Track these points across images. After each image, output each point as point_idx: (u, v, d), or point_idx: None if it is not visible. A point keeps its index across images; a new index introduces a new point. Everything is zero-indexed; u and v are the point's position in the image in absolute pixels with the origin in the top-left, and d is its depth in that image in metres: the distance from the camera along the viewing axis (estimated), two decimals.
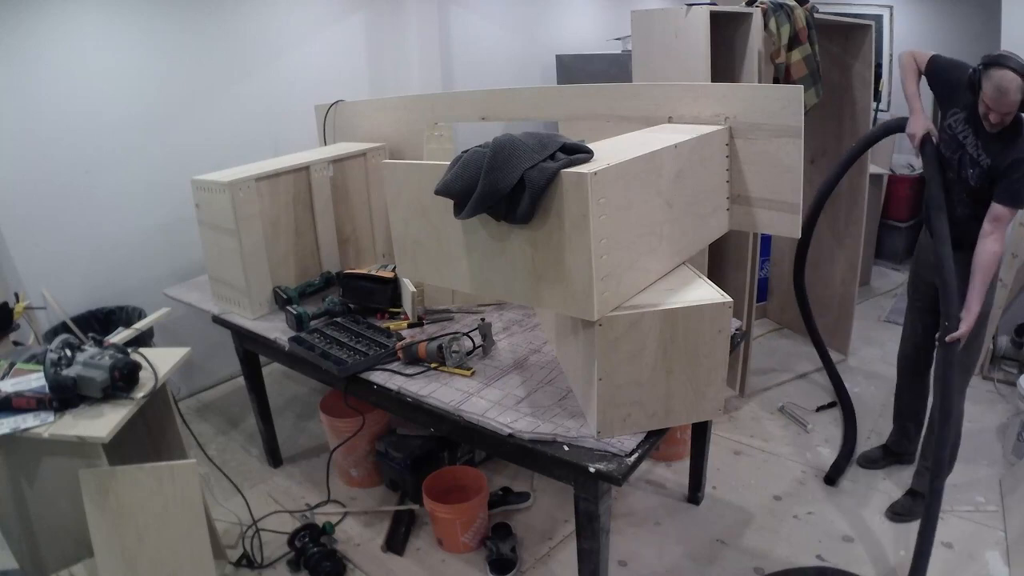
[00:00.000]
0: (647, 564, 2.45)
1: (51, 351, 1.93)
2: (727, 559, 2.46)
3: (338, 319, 2.57)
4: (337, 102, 3.32)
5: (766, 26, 2.95)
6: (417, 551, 2.56)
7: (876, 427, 3.17)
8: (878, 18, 5.60)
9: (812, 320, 3.22)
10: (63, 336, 2.00)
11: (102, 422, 1.84)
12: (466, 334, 2.33)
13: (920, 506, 2.44)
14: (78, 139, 3.08)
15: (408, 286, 2.53)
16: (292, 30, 3.77)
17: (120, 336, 2.35)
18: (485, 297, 2.63)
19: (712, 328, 1.77)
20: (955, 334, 2.22)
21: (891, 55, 5.72)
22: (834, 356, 3.84)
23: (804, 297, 3.18)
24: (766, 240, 4.06)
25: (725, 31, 3.01)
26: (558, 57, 5.01)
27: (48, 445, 1.84)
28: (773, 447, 3.09)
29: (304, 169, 2.78)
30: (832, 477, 2.82)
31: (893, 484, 2.79)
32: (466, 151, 1.73)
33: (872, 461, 2.91)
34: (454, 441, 2.82)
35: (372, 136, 3.17)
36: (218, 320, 2.78)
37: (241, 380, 3.15)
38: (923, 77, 2.41)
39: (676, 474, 2.90)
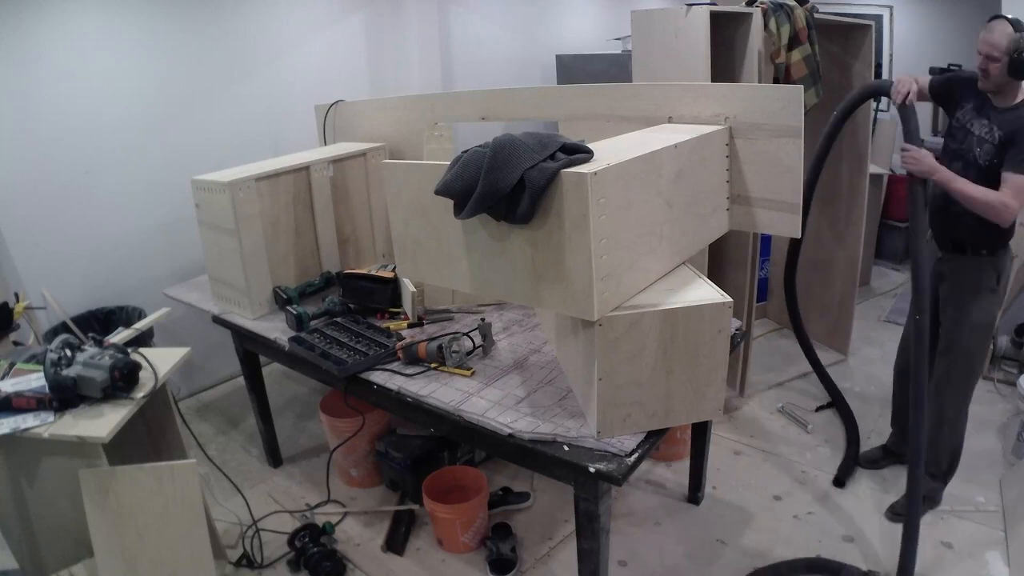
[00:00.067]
0: (647, 564, 2.45)
1: (51, 351, 1.93)
2: (727, 559, 2.46)
3: (338, 319, 2.57)
4: (337, 102, 3.32)
5: (766, 26, 2.95)
6: (417, 551, 2.56)
7: (876, 427, 3.17)
8: (878, 18, 5.60)
9: (799, 318, 3.23)
10: (63, 336, 2.00)
11: (102, 422, 1.84)
12: (466, 334, 2.33)
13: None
14: (78, 139, 3.08)
15: (408, 286, 2.53)
16: (292, 30, 3.77)
17: (120, 336, 2.35)
18: (485, 297, 2.63)
19: (712, 328, 1.77)
20: (905, 149, 2.23)
21: (891, 55, 5.72)
22: (834, 356, 3.87)
23: (794, 298, 3.19)
24: (766, 240, 4.06)
25: (725, 31, 3.01)
26: (558, 57, 5.01)
27: (48, 445, 1.84)
28: (773, 447, 3.09)
29: (304, 169, 2.79)
30: (841, 479, 2.81)
31: (893, 484, 2.79)
32: (466, 151, 1.72)
33: (872, 461, 2.91)
34: (454, 441, 2.82)
35: (372, 136, 3.17)
36: (218, 320, 2.78)
37: (241, 380, 3.15)
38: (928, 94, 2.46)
39: (676, 474, 2.90)
